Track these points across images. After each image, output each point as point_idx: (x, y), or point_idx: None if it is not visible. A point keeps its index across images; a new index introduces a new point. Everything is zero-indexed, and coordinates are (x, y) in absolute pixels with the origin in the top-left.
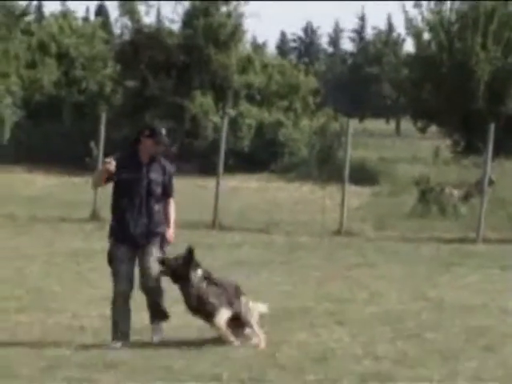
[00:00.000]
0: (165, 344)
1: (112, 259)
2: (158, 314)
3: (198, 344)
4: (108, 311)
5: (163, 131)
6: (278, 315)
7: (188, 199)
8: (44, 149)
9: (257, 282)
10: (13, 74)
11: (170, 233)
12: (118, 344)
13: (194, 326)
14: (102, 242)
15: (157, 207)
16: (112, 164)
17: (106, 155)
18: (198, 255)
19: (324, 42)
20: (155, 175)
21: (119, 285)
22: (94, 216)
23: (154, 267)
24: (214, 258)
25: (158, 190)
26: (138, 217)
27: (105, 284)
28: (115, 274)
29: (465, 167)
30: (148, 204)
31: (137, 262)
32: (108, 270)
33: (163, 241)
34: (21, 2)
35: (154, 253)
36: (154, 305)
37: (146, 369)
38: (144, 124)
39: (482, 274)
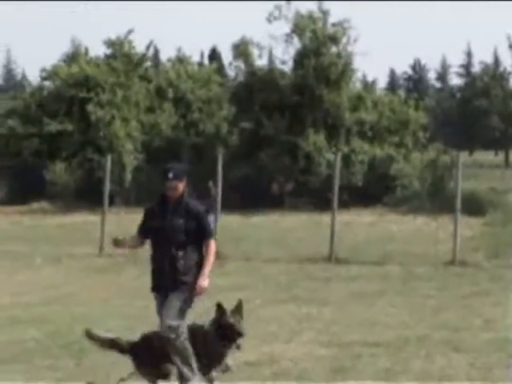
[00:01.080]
0: None
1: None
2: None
3: None
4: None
5: (172, 169)
6: (395, 344)
7: (305, 234)
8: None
9: (373, 313)
10: (133, 119)
11: (201, 282)
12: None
13: None
14: (224, 278)
15: (180, 254)
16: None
17: (223, 195)
18: (316, 288)
19: (432, 77)
20: (177, 221)
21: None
22: (217, 254)
23: (167, 316)
24: (331, 291)
25: (181, 237)
26: (163, 266)
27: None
28: None
29: None
30: (170, 252)
31: None
32: None
33: (191, 290)
34: (138, 50)
35: (174, 302)
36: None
37: None
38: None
39: None
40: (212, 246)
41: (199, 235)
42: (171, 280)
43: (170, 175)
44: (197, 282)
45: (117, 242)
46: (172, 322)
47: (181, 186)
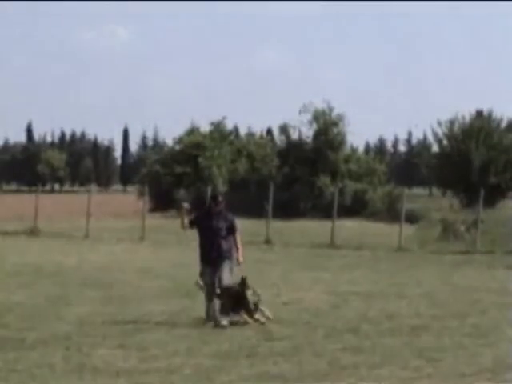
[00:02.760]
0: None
1: (202, 273)
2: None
3: None
4: None
5: (215, 196)
6: (368, 293)
7: (317, 231)
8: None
9: (354, 277)
10: (223, 165)
11: (239, 258)
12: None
13: None
14: (272, 255)
15: (223, 241)
16: (186, 205)
17: (273, 209)
18: (322, 262)
19: (389, 145)
20: (220, 223)
21: (205, 285)
22: (267, 241)
23: (224, 278)
24: (330, 264)
25: (223, 232)
26: (211, 248)
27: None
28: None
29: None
30: (217, 240)
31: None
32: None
33: (232, 261)
34: (228, 128)
35: (225, 269)
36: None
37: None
38: (213, 193)
39: None
40: (239, 236)
41: (232, 231)
42: (218, 256)
43: (215, 199)
44: (236, 257)
45: (182, 208)
46: (226, 281)
47: (220, 205)
